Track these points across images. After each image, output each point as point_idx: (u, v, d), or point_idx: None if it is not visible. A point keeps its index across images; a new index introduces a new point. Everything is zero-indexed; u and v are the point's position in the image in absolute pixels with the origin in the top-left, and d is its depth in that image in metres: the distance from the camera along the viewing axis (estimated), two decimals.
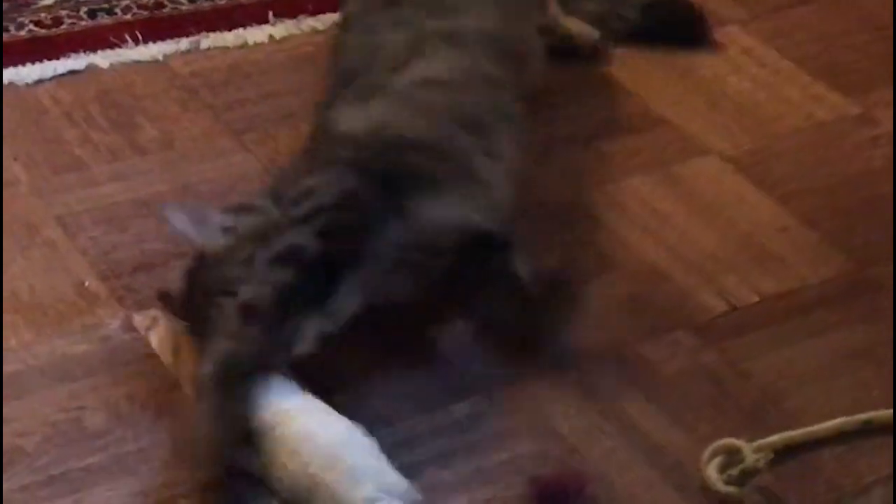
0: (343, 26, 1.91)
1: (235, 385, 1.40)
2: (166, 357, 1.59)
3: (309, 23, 2.19)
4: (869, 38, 2.31)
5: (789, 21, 2.33)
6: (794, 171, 2.01)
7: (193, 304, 1.53)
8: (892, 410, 1.58)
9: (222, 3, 2.21)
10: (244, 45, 2.15)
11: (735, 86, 2.18)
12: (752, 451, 1.52)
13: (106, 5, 2.16)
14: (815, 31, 2.32)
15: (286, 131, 1.97)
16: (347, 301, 1.50)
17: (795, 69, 2.22)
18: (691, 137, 2.05)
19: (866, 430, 1.58)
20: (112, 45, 2.08)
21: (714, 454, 1.52)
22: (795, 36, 2.30)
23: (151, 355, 1.60)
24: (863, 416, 1.58)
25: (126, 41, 2.09)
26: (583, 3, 2.20)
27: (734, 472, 1.51)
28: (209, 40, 2.13)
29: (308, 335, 1.47)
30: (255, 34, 2.16)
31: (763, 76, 2.20)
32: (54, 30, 2.10)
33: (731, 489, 1.50)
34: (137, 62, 2.08)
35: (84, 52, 2.07)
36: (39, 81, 2.01)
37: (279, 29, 2.17)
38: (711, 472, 1.51)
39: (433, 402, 1.58)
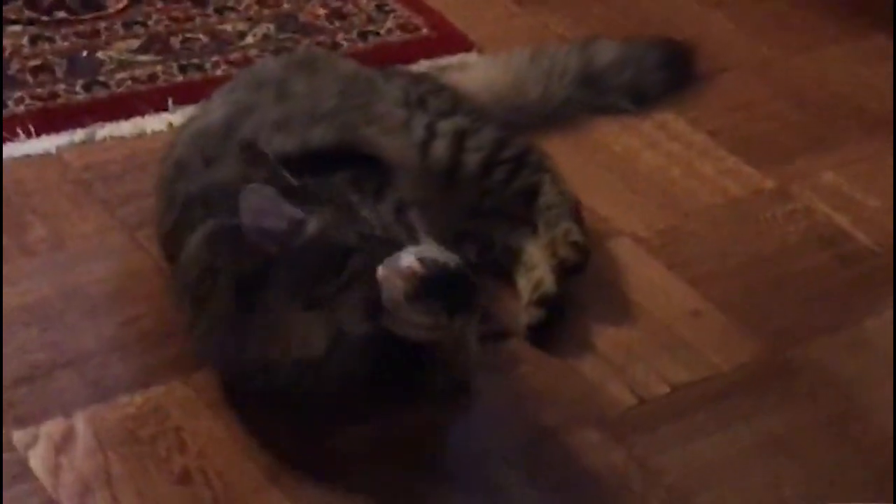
0: None
1: None
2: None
3: None
4: (786, 107, 2.28)
5: (703, 92, 2.28)
6: (707, 250, 1.96)
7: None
8: None
9: (119, 90, 2.14)
10: (142, 135, 2.08)
11: (648, 162, 2.13)
12: None
13: None
14: (730, 101, 2.28)
15: None
16: None
17: (710, 142, 2.18)
18: (603, 219, 2.00)
19: None
20: (3, 139, 2.01)
21: None
22: (710, 107, 2.26)
23: (30, 476, 1.53)
24: None
25: (17, 134, 2.02)
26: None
27: None
28: (105, 130, 2.07)
29: None
30: (154, 122, 2.10)
31: (676, 151, 2.16)
32: None
33: None
34: (28, 156, 2.01)
35: None
36: None
37: (179, 116, 2.09)
38: None
39: None
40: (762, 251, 1.97)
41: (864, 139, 2.23)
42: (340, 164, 1.70)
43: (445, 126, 1.87)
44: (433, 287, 1.44)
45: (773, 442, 1.66)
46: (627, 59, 2.20)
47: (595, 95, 2.17)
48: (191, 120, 1.89)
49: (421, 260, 1.45)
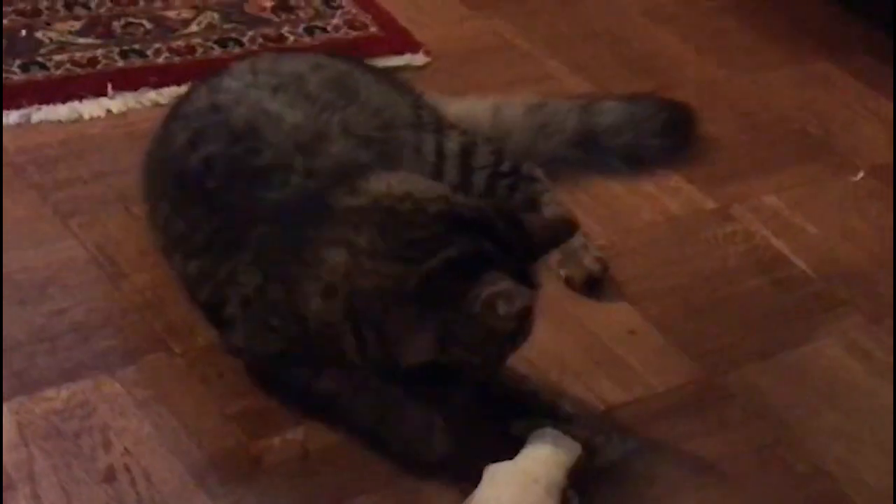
0: None
1: None
2: None
3: (151, 96, 2.09)
4: (730, 128, 2.27)
5: None
6: (646, 268, 1.95)
7: None
8: None
9: (57, 73, 2.10)
10: (79, 120, 2.04)
11: (590, 176, 2.11)
12: None
13: None
14: None
15: (117, 215, 1.87)
16: None
17: None
18: None
19: None
20: None
21: None
22: None
23: None
24: None
25: None
26: None
27: None
28: (41, 113, 2.03)
29: None
30: (92, 107, 2.06)
31: None
32: None
33: None
34: None
35: None
36: None
37: (118, 102, 2.07)
38: None
39: None
40: (701, 272, 1.97)
41: (805, 164, 2.23)
42: None
43: (451, 146, 1.87)
44: None
45: (706, 467, 1.65)
46: (629, 123, 2.10)
47: (588, 156, 2.09)
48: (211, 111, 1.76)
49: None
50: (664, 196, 2.10)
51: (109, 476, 1.52)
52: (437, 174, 1.84)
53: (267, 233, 1.60)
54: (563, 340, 1.80)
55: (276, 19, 2.32)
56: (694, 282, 1.95)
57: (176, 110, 1.81)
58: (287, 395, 1.62)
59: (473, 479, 1.52)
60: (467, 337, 1.49)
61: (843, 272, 1.99)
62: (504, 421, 1.63)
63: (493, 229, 1.54)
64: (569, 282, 1.89)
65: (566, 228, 1.65)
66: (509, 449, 1.57)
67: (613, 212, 2.05)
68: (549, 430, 1.57)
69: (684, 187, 2.12)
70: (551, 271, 1.88)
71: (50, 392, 1.60)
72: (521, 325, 1.53)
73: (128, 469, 1.53)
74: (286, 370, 1.61)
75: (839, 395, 1.78)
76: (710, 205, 2.09)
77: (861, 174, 2.20)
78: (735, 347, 1.84)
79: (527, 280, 1.53)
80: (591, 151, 2.08)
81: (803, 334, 1.87)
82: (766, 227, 2.06)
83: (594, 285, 1.88)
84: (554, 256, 1.90)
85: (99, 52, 2.16)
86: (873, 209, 2.13)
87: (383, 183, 1.59)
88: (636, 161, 2.11)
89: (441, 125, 1.89)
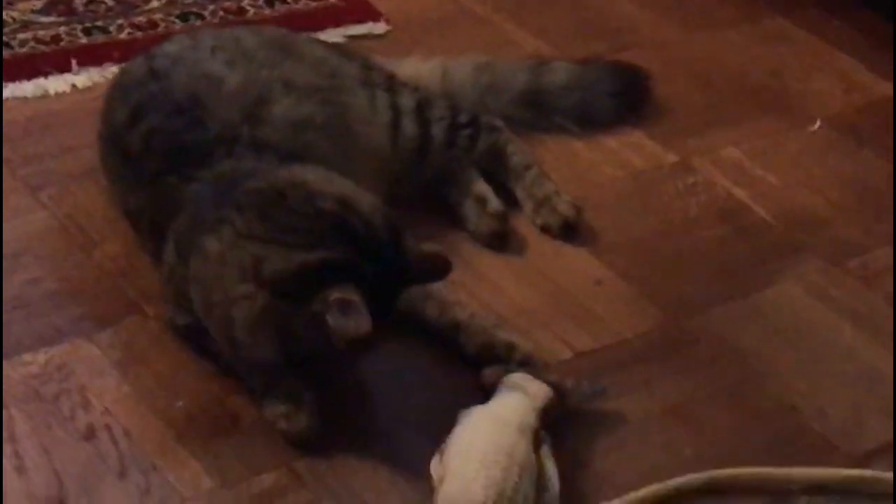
0: None
1: None
2: None
3: (114, 71, 2.10)
4: (687, 86, 2.31)
5: None
6: (611, 221, 1.99)
7: None
8: (701, 475, 1.55)
9: (22, 51, 2.12)
10: (45, 96, 2.07)
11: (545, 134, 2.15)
12: None
13: None
14: None
15: (86, 187, 1.89)
16: None
17: None
18: (510, 189, 2.01)
19: (677, 497, 1.54)
20: None
21: None
22: None
23: None
24: (672, 483, 1.54)
25: None
26: None
27: None
28: (7, 90, 2.05)
29: None
30: (57, 83, 2.08)
31: None
32: None
33: None
34: None
35: None
36: None
37: (83, 78, 2.10)
38: None
39: None
40: (664, 223, 2.01)
41: (763, 117, 2.27)
42: None
43: (405, 101, 1.89)
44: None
45: (672, 408, 1.70)
46: (578, 83, 2.12)
47: (537, 116, 2.10)
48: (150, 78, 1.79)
49: None
50: (626, 151, 2.13)
51: (89, 434, 1.55)
52: (395, 128, 1.87)
53: (184, 218, 1.63)
54: (531, 293, 1.84)
55: None
56: (658, 233, 1.99)
57: (115, 82, 1.85)
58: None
59: (449, 425, 1.56)
60: (307, 335, 1.51)
61: (802, 218, 2.04)
62: (476, 369, 1.67)
63: (377, 249, 1.53)
64: (545, 229, 1.93)
65: (442, 266, 1.61)
66: (483, 395, 1.61)
67: (576, 168, 2.09)
68: (519, 375, 1.61)
69: (645, 143, 2.15)
70: (527, 218, 1.94)
71: (27, 356, 1.63)
72: (354, 344, 1.50)
73: (108, 428, 1.56)
74: (198, 342, 1.65)
75: (800, 334, 1.83)
76: (672, 158, 2.13)
77: (818, 124, 2.24)
78: (699, 293, 1.88)
79: (384, 307, 1.53)
80: (541, 111, 2.10)
81: (764, 278, 1.92)
82: (726, 178, 2.10)
83: (569, 230, 1.92)
84: (528, 206, 1.95)
85: (62, 29, 2.18)
86: (830, 158, 2.18)
87: (290, 171, 1.60)
88: (587, 121, 2.13)
89: (393, 83, 1.92)
